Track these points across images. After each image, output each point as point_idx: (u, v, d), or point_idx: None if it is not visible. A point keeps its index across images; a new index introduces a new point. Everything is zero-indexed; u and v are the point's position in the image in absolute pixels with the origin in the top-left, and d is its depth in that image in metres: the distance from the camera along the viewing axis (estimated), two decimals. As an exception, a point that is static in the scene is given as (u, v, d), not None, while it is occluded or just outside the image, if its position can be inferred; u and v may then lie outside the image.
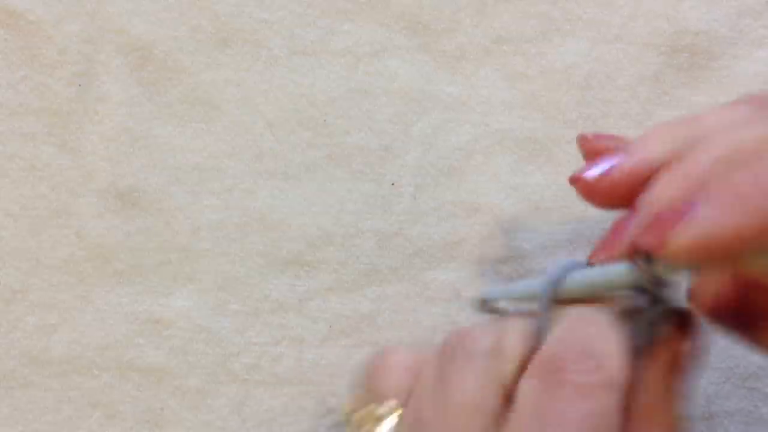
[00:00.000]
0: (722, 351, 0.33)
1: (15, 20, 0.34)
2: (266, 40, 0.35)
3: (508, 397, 0.23)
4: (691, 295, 0.25)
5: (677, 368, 0.23)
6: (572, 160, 0.35)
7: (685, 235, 0.20)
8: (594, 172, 0.25)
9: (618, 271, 0.23)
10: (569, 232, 0.34)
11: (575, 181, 0.25)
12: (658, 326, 0.23)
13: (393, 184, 0.34)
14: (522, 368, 0.23)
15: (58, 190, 0.34)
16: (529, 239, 0.34)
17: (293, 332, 0.34)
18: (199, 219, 0.34)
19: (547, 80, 0.35)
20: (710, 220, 0.20)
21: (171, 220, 0.34)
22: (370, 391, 0.26)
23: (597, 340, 0.22)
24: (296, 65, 0.35)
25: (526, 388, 0.22)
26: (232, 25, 0.35)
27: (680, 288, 0.24)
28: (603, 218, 0.35)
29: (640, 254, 0.22)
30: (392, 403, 0.25)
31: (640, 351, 0.23)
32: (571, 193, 0.35)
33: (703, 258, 0.21)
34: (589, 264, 0.24)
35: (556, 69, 0.35)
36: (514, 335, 0.24)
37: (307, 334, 0.34)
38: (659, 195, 0.23)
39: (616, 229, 0.24)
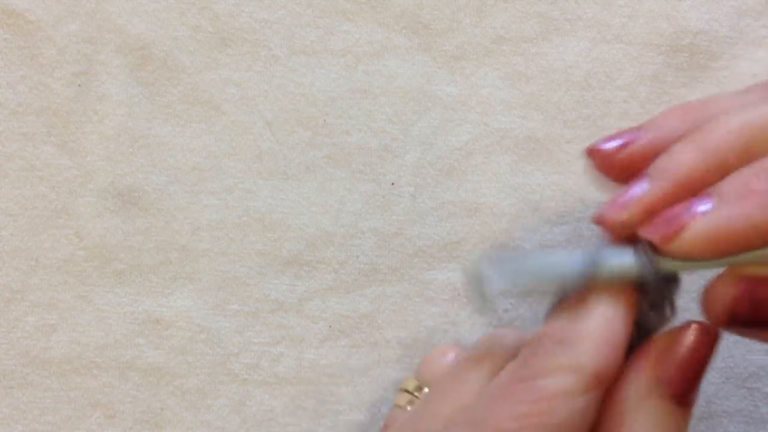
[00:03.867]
0: (722, 351, 0.34)
1: (15, 20, 0.34)
2: (266, 40, 0.35)
3: None
4: (706, 305, 0.24)
5: (663, 366, 0.23)
6: (572, 160, 0.35)
7: (696, 229, 0.21)
8: (611, 144, 0.25)
9: (625, 261, 0.23)
10: (569, 232, 0.34)
11: (592, 153, 0.25)
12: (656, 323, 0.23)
13: (393, 184, 0.34)
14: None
15: (58, 190, 0.34)
16: (529, 239, 0.34)
17: (293, 332, 0.34)
18: (198, 219, 0.34)
19: (547, 80, 0.35)
20: (724, 215, 0.21)
21: (171, 220, 0.34)
22: (415, 374, 0.29)
23: (575, 328, 0.22)
24: (296, 65, 0.35)
25: (503, 371, 0.24)
26: (232, 25, 0.35)
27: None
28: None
29: (646, 247, 0.22)
30: (414, 382, 0.28)
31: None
32: (571, 193, 0.35)
33: (712, 251, 0.21)
34: (593, 221, 0.24)
35: (556, 69, 0.35)
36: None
37: (307, 334, 0.34)
38: (676, 161, 0.23)
39: (625, 191, 0.24)
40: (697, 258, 0.22)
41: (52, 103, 0.34)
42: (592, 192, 0.34)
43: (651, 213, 0.23)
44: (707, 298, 0.23)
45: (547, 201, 0.34)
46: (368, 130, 0.35)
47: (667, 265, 0.22)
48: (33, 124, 0.34)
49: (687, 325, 0.23)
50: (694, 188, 0.23)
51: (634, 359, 0.23)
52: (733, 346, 0.34)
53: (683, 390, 0.22)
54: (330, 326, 0.34)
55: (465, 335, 0.34)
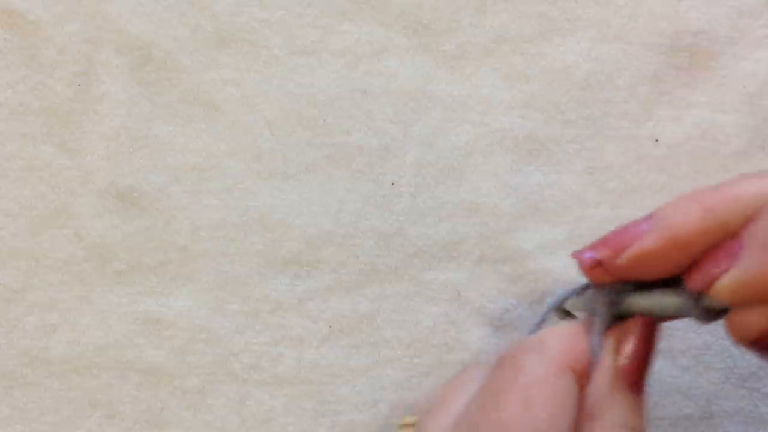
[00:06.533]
0: (722, 351, 0.33)
1: (15, 20, 0.34)
2: (266, 40, 0.35)
3: None
4: (732, 328, 0.24)
5: (621, 372, 0.25)
6: (572, 160, 0.35)
7: (729, 278, 0.22)
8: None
9: (672, 299, 0.25)
10: (569, 232, 0.34)
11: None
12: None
13: (393, 183, 0.34)
14: None
15: (58, 190, 0.34)
16: (529, 239, 0.34)
17: (293, 332, 0.34)
18: (198, 219, 0.34)
19: (547, 80, 0.35)
20: (748, 267, 0.22)
21: (171, 220, 0.34)
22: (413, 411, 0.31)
23: (548, 335, 0.25)
24: (296, 65, 0.35)
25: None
26: (232, 25, 0.35)
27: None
28: (603, 219, 0.35)
29: (692, 288, 0.24)
30: (412, 418, 0.29)
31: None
32: (571, 193, 0.35)
33: (743, 298, 0.22)
34: (574, 256, 0.26)
35: (556, 69, 0.35)
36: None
37: (307, 334, 0.34)
38: (680, 216, 0.24)
39: (623, 230, 0.25)
40: (731, 303, 0.23)
41: (52, 103, 0.34)
42: (592, 192, 0.34)
43: (642, 261, 0.24)
44: (734, 322, 0.23)
45: (547, 201, 0.34)
46: (368, 130, 0.35)
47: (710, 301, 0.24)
48: (33, 124, 0.34)
49: (632, 321, 0.25)
50: (691, 245, 0.23)
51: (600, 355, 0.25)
52: (733, 346, 0.34)
53: (637, 378, 0.25)
54: (330, 326, 0.34)
55: (463, 335, 0.34)
